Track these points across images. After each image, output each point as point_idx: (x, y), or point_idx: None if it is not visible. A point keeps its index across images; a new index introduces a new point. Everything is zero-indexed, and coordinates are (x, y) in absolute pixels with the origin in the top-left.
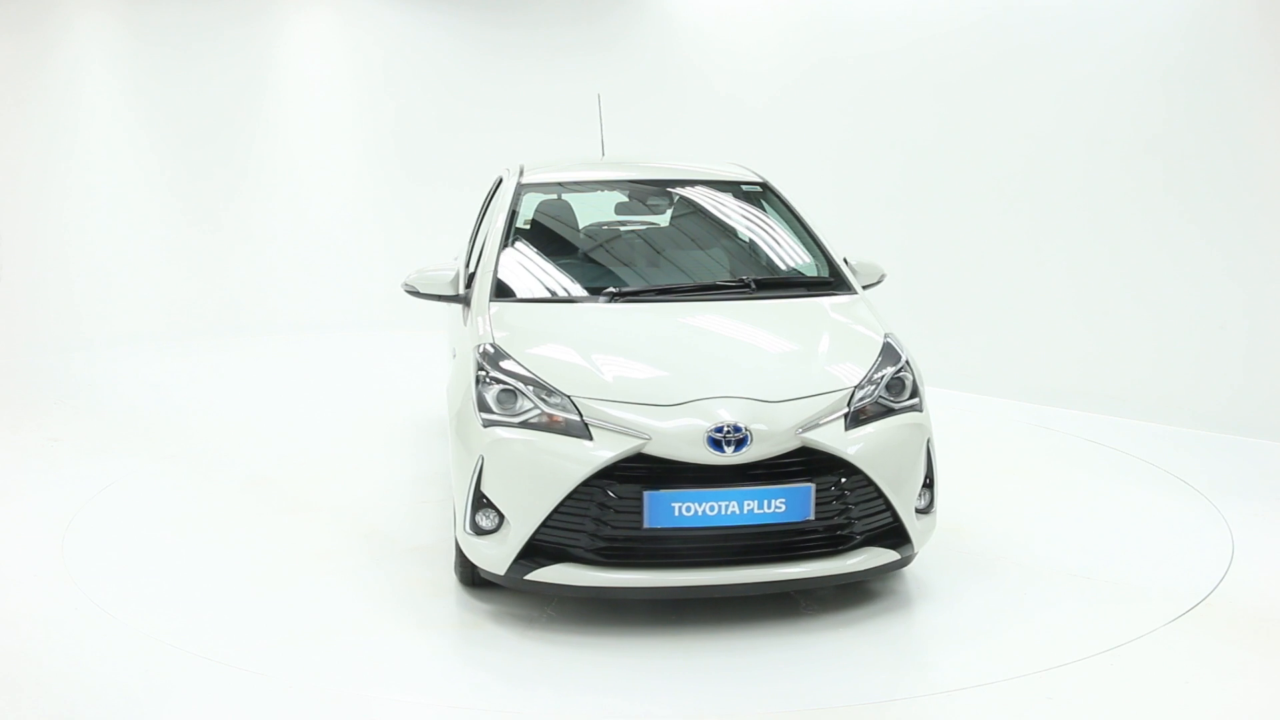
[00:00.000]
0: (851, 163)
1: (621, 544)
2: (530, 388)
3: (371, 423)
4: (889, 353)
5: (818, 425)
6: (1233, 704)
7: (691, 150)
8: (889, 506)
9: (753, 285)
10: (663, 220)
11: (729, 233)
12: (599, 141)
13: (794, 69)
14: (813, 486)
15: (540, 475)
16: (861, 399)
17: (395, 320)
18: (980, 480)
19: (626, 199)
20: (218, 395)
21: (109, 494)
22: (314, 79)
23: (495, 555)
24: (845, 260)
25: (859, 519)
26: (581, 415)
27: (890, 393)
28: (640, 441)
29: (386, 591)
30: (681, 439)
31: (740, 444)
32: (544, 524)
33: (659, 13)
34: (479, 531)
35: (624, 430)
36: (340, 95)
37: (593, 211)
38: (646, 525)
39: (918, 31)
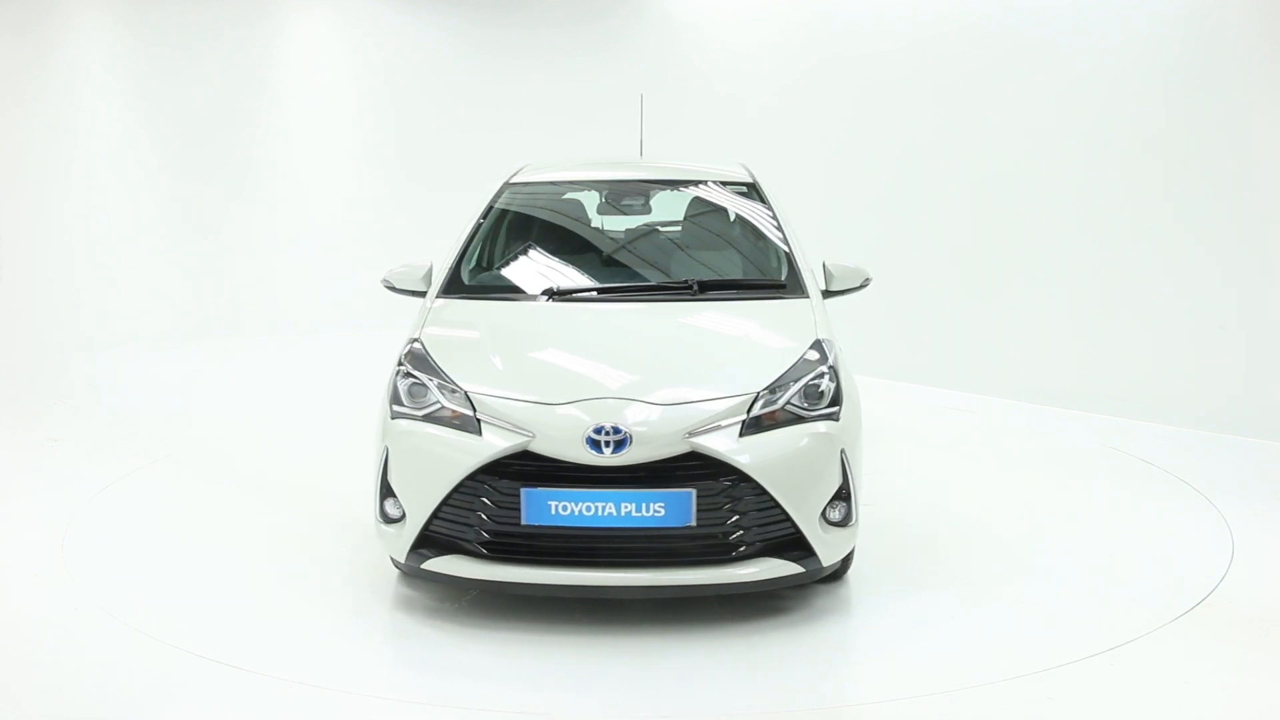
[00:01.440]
0: (851, 162)
1: (503, 539)
2: (435, 381)
3: (371, 423)
4: (810, 359)
5: (710, 430)
6: (1233, 704)
7: (691, 150)
8: (788, 517)
9: (695, 287)
10: (639, 221)
11: (700, 233)
12: (638, 141)
13: (794, 69)
14: (694, 492)
15: (432, 467)
16: (766, 405)
17: (395, 320)
18: (980, 480)
19: (606, 200)
20: (218, 395)
21: (109, 494)
22: (314, 79)
23: (397, 544)
24: (824, 264)
25: (752, 528)
26: (475, 410)
27: (806, 400)
28: (525, 439)
29: (387, 591)
30: (563, 438)
31: (620, 445)
32: (435, 515)
33: (659, 13)
34: (387, 520)
35: (509, 427)
36: (340, 96)
37: (578, 211)
38: (524, 522)
39: (917, 32)
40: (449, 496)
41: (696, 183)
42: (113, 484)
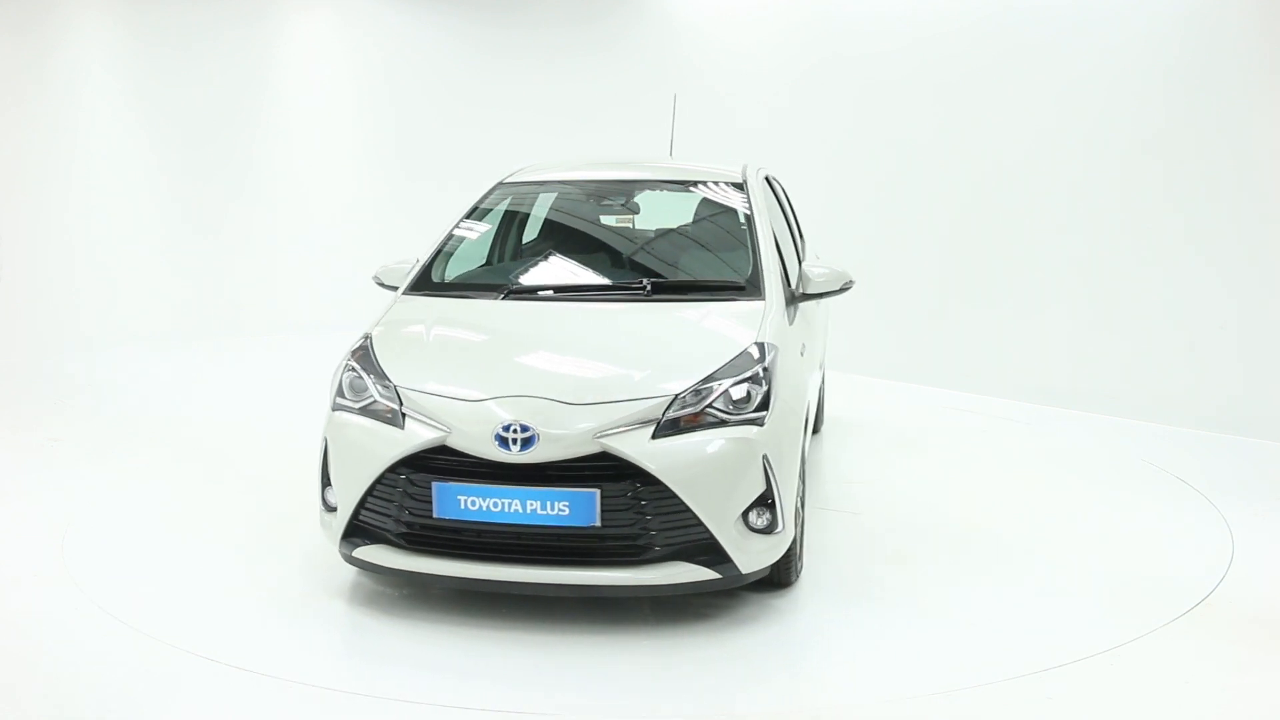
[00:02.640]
0: (851, 162)
1: (419, 531)
2: (371, 377)
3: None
4: (741, 364)
5: (622, 432)
6: (1233, 704)
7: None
8: (699, 521)
9: (648, 287)
10: (620, 220)
11: (676, 234)
12: (668, 141)
13: (794, 69)
14: (598, 492)
15: (359, 459)
16: (685, 408)
17: None
18: (979, 480)
19: (590, 200)
20: (218, 395)
21: (109, 494)
22: (314, 79)
23: (332, 531)
24: (801, 267)
25: (661, 531)
26: (401, 405)
27: (732, 404)
28: (442, 434)
29: (388, 591)
30: (476, 434)
31: (527, 443)
32: (361, 505)
33: (659, 13)
34: (328, 508)
35: (430, 422)
36: (340, 95)
37: (559, 212)
38: (436, 515)
39: (917, 32)
40: (372, 488)
41: (684, 183)
42: (113, 484)
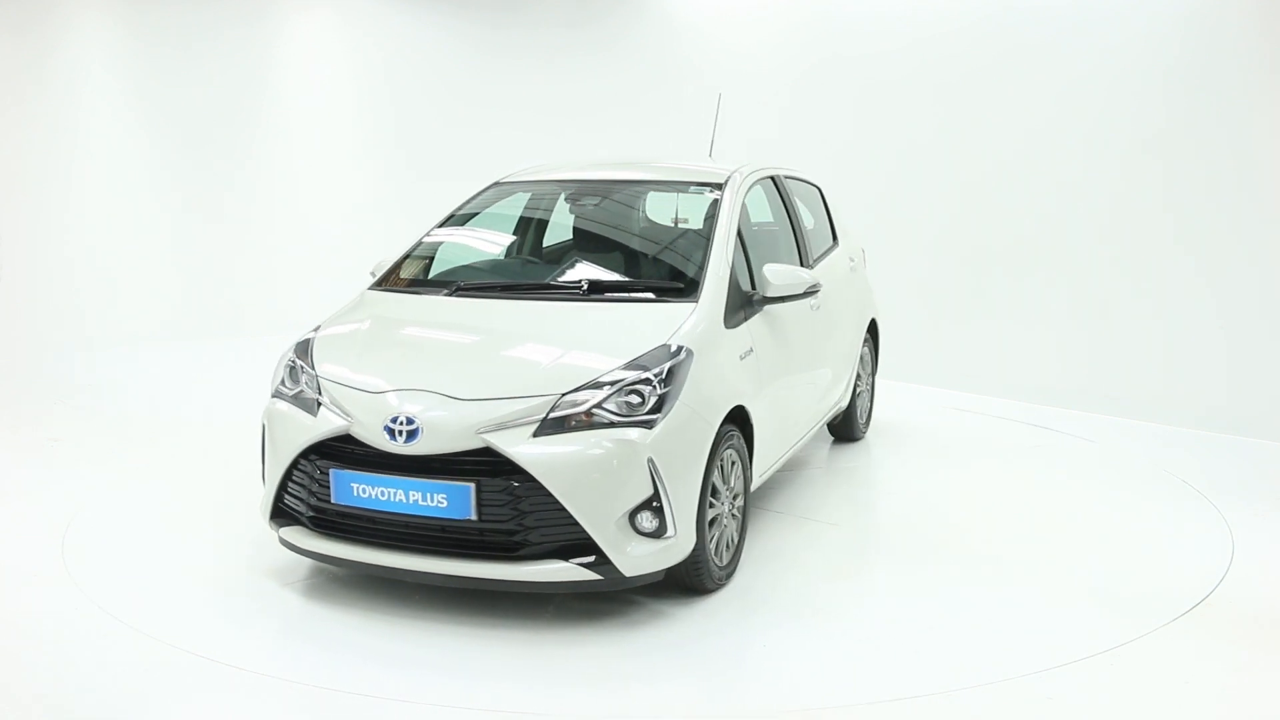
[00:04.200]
0: (850, 162)
1: (322, 515)
2: (304, 366)
3: None
4: (643, 364)
5: (505, 428)
6: (1233, 704)
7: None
8: (576, 521)
9: (584, 287)
10: (591, 221)
11: (640, 235)
12: (709, 141)
13: (794, 70)
14: (473, 486)
15: (281, 444)
16: (572, 408)
17: None
18: (979, 480)
19: (568, 201)
20: (218, 395)
21: (109, 494)
22: (314, 80)
23: (261, 511)
24: (763, 269)
25: (538, 528)
26: (320, 394)
27: (626, 406)
28: (345, 423)
29: (389, 591)
30: (372, 424)
31: (412, 435)
32: (282, 488)
33: (659, 13)
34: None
35: (338, 412)
36: (340, 96)
37: (537, 212)
38: (333, 501)
39: (917, 31)
40: (289, 472)
41: (664, 183)
42: (113, 484)
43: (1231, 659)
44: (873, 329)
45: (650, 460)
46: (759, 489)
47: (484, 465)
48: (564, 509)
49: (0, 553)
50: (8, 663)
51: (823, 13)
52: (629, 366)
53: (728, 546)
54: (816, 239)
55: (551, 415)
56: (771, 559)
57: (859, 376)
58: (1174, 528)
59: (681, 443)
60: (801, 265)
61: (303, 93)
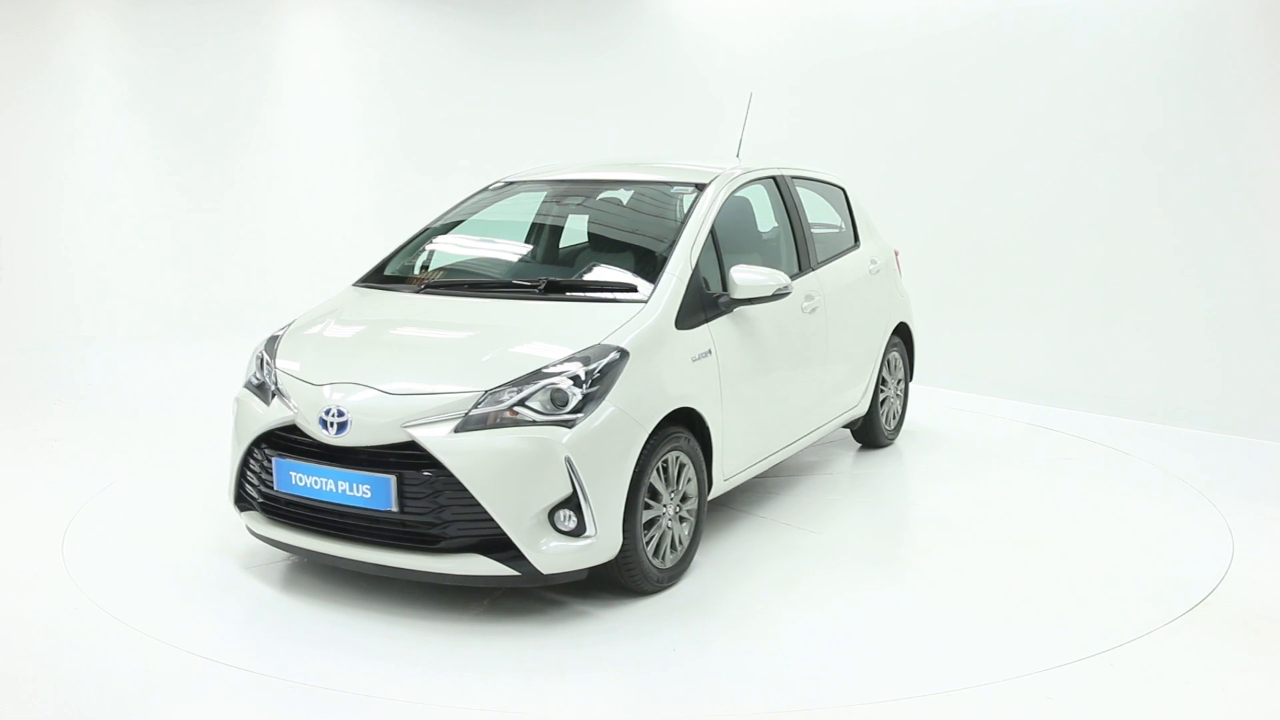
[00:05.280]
0: (850, 162)
1: (271, 502)
2: (269, 359)
3: None
4: (568, 364)
5: (428, 423)
6: (1233, 704)
7: (691, 151)
8: (490, 517)
9: (540, 286)
10: (570, 222)
11: (608, 236)
12: (737, 140)
13: (794, 70)
14: (393, 479)
15: (239, 433)
16: (493, 404)
17: None
18: (979, 480)
19: (552, 201)
20: (218, 395)
21: (109, 494)
22: (314, 81)
23: (229, 497)
24: (730, 272)
25: (456, 522)
26: (276, 385)
27: (551, 404)
28: (291, 414)
29: (388, 590)
30: (309, 417)
31: (342, 427)
32: (241, 475)
33: (659, 13)
34: None
35: (286, 403)
36: (341, 97)
37: (521, 212)
38: (276, 487)
39: (918, 31)
40: (245, 459)
41: (645, 183)
42: (113, 484)
43: (1231, 659)
44: (904, 333)
45: (568, 459)
46: (749, 493)
47: (409, 459)
48: (478, 504)
49: (0, 553)
50: (8, 662)
51: (823, 13)
52: (557, 365)
53: (672, 549)
54: (828, 241)
55: (474, 411)
56: (736, 564)
57: (883, 381)
58: (1174, 528)
59: (606, 443)
60: (800, 267)
61: (303, 93)
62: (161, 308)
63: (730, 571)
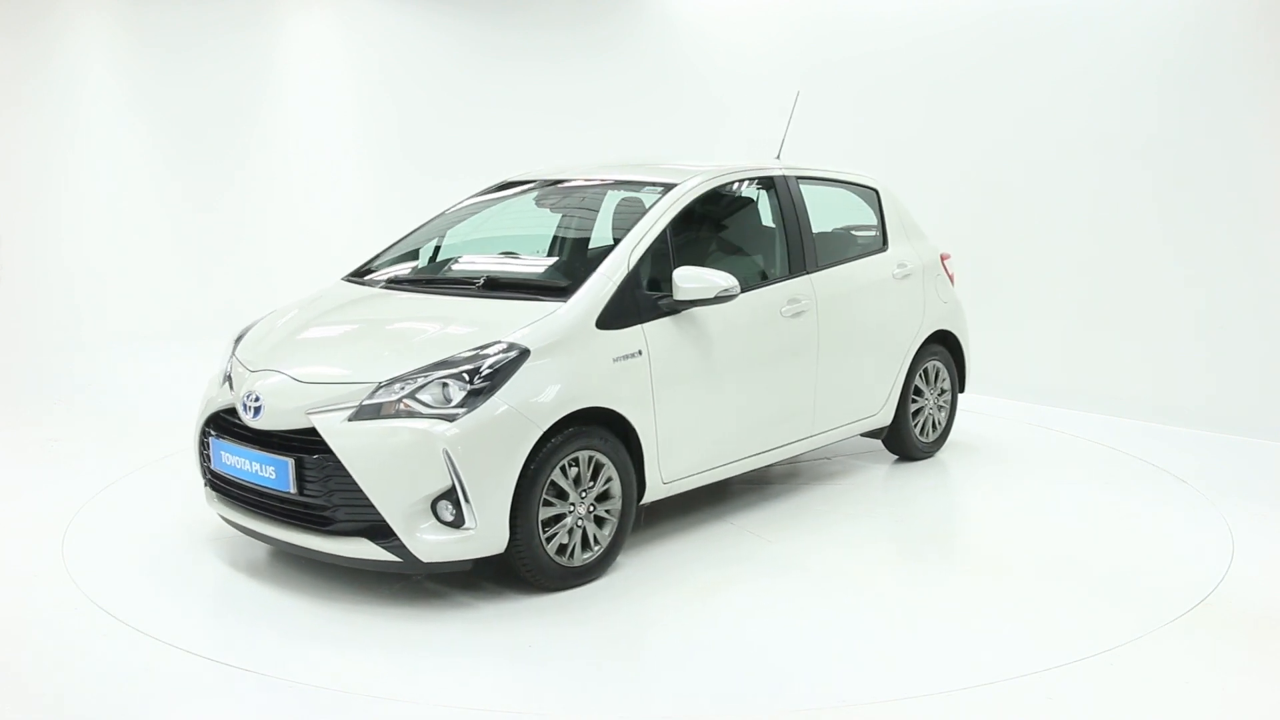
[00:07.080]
0: (850, 162)
1: (214, 480)
2: (234, 346)
3: None
4: (459, 360)
5: (329, 410)
6: (1233, 704)
7: (691, 151)
8: (370, 503)
9: (481, 284)
10: (552, 223)
11: (570, 237)
12: (779, 140)
13: (794, 70)
14: (291, 462)
15: (200, 414)
16: (385, 395)
17: None
18: (979, 480)
19: (536, 202)
20: None
21: (109, 494)
22: (314, 81)
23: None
24: (673, 274)
25: (344, 506)
26: (229, 370)
27: (441, 397)
28: (231, 399)
29: (389, 589)
30: (239, 400)
31: (257, 412)
32: (200, 454)
33: (659, 13)
34: None
35: (232, 387)
36: (341, 97)
37: (509, 213)
38: (212, 466)
39: (918, 31)
40: (201, 439)
41: (624, 183)
42: (113, 484)
43: (1231, 659)
44: (950, 342)
45: (446, 452)
46: (723, 498)
47: (311, 444)
48: (362, 489)
49: (0, 553)
50: (7, 662)
51: (823, 13)
52: (454, 360)
53: (587, 548)
54: (844, 243)
55: (369, 401)
56: (666, 570)
57: (919, 391)
58: (1173, 528)
59: (491, 439)
60: (792, 270)
61: (303, 93)
62: (162, 308)
63: (665, 574)
